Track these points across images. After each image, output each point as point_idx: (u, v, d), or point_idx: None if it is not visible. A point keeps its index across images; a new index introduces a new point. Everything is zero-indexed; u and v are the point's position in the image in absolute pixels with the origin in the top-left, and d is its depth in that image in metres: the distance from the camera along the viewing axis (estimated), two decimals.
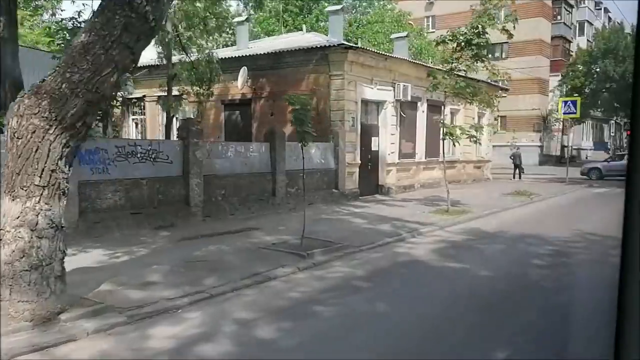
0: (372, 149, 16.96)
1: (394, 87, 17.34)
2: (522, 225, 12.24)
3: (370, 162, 16.84)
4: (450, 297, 6.41)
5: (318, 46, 15.41)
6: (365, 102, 16.59)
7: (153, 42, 13.92)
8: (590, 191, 21.29)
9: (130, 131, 20.74)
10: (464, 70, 13.95)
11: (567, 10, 46.55)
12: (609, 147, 58.91)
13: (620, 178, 26.73)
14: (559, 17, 45.09)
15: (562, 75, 42.63)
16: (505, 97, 44.88)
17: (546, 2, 43.31)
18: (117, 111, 18.94)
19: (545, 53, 43.93)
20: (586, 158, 54.44)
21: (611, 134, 36.83)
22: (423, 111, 19.55)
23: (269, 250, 8.49)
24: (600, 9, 56.58)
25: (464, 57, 13.50)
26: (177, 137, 11.25)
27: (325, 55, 15.26)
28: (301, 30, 23.64)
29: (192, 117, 17.88)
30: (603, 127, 60.76)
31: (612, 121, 37.18)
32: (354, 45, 15.05)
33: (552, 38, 44.96)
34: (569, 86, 40.18)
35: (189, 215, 10.54)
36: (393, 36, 23.42)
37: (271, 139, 12.78)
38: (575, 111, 24.59)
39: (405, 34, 23.18)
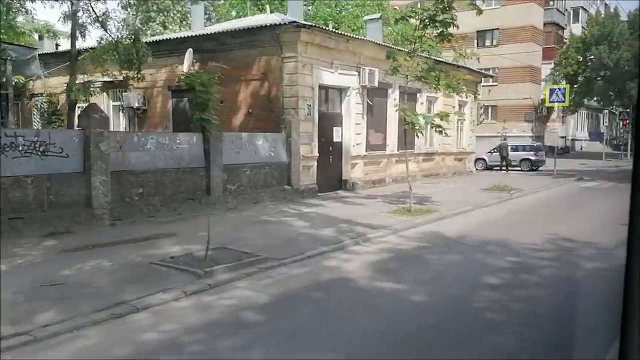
0: (334, 140, 15.32)
1: (359, 72, 15.67)
2: (491, 228, 10.66)
3: (331, 155, 15.21)
4: (356, 338, 4.81)
5: (268, 25, 13.71)
6: (325, 89, 14.93)
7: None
8: (578, 185, 19.71)
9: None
10: (428, 52, 12.26)
11: None
12: (605, 137, 57.39)
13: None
14: (551, 3, 43.31)
15: (554, 63, 40.93)
16: (495, 85, 43.39)
17: None
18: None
19: (538, 40, 42.20)
20: (581, 149, 52.87)
21: (605, 123, 35.14)
22: (395, 99, 17.88)
23: (160, 267, 6.87)
24: None
25: (428, 36, 11.80)
26: (78, 127, 9.60)
27: (276, 36, 13.57)
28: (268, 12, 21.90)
29: (137, 105, 16.23)
30: (599, 116, 59.16)
31: (606, 110, 35.41)
32: (307, 23, 13.34)
33: (545, 25, 43.22)
34: (562, 74, 38.48)
35: (93, 219, 8.92)
36: (366, 18, 21.72)
37: (205, 129, 11.08)
38: (563, 100, 22.98)
39: (378, 15, 21.43)
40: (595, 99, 41.80)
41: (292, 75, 13.59)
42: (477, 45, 42.81)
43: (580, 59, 36.67)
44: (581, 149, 52.02)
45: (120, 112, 17.62)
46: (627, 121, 37.56)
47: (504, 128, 39.39)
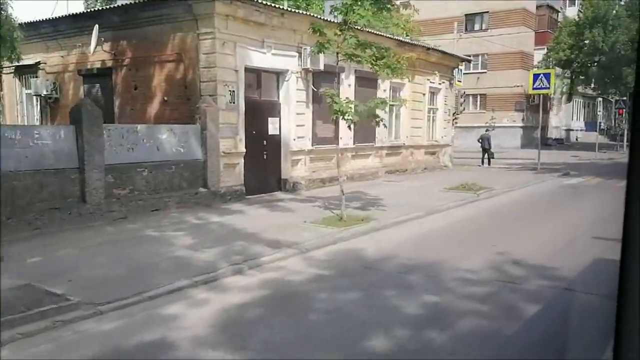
0: (270, 133, 13.12)
1: (301, 53, 13.42)
2: (429, 244, 8.52)
3: (266, 150, 13.02)
4: None
5: None
6: (256, 72, 12.70)
7: None
8: (560, 182, 17.50)
9: None
10: (365, 26, 10.01)
11: None
12: (602, 127, 54.97)
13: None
14: None
15: (547, 49, 38.49)
16: (484, 72, 40.96)
17: None
18: None
19: (530, 24, 39.73)
20: (576, 139, 50.52)
21: (598, 112, 32.84)
22: (350, 85, 15.66)
23: None
24: None
25: (360, 5, 9.55)
26: None
27: (189, 7, 11.33)
28: None
29: (46, 92, 14.03)
30: (596, 105, 56.77)
31: (600, 99, 33.09)
32: None
33: (538, 7, 40.72)
34: (555, 60, 36.09)
35: None
36: None
37: (77, 119, 8.91)
38: (548, 86, 20.71)
39: None
40: (590, 86, 39.42)
41: (209, 56, 11.37)
42: (466, 30, 40.50)
43: (574, 44, 34.23)
44: (577, 139, 49.69)
45: (35, 101, 15.41)
46: (624, 110, 35.22)
47: (492, 118, 37.23)
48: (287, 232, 8.75)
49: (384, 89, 17.25)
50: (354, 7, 9.25)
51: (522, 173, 20.56)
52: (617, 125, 37.73)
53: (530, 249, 7.97)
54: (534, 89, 21.22)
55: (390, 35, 16.52)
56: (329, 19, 11.81)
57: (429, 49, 18.91)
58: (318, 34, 9.69)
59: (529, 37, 39.76)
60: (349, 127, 10.01)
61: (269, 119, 13.07)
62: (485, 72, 40.18)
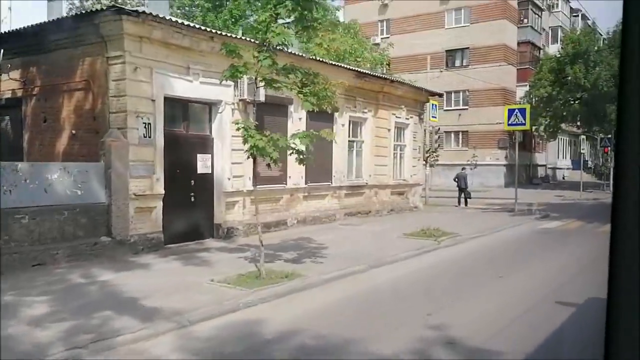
0: (199, 172, 11.50)
1: (237, 82, 11.96)
2: (350, 314, 6.82)
3: (193, 192, 11.37)
4: None
5: (85, 13, 10.04)
6: (181, 102, 11.18)
7: None
8: (536, 227, 15.89)
9: None
10: (288, 46, 8.57)
11: (535, 14, 41.81)
12: (589, 165, 53.88)
13: None
14: (525, 21, 40.29)
15: (529, 85, 37.57)
16: (466, 109, 39.93)
17: (511, 3, 38.52)
18: None
19: (511, 60, 39.01)
20: (563, 178, 49.29)
21: (582, 150, 31.61)
22: (300, 118, 14.18)
23: None
24: (578, 15, 51.94)
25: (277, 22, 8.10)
26: None
27: (96, 28, 9.89)
28: None
29: None
30: (579, 142, 55.91)
31: (583, 136, 31.93)
32: (134, 10, 9.60)
33: (519, 44, 40.09)
34: (536, 97, 35.09)
35: None
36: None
37: None
38: (524, 122, 19.43)
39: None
40: (574, 123, 38.41)
41: (119, 83, 9.85)
42: (447, 66, 39.74)
43: (555, 80, 33.26)
44: (563, 178, 48.49)
45: None
46: (609, 148, 34.00)
47: (474, 156, 35.97)
48: (180, 296, 7.03)
49: (342, 124, 15.81)
50: (271, 26, 7.79)
51: (498, 215, 19.00)
52: (602, 163, 36.45)
53: (475, 320, 6.30)
54: (509, 125, 19.94)
55: (346, 65, 15.18)
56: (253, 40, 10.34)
57: (392, 81, 17.59)
58: (232, 56, 8.20)
59: (510, 73, 38.99)
60: (269, 165, 8.38)
61: (199, 155, 11.48)
62: (467, 109, 39.20)
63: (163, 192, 10.45)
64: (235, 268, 8.82)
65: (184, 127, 11.28)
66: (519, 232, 14.54)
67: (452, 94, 39.75)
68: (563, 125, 38.47)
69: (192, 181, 11.32)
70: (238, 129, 8.28)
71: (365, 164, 17.05)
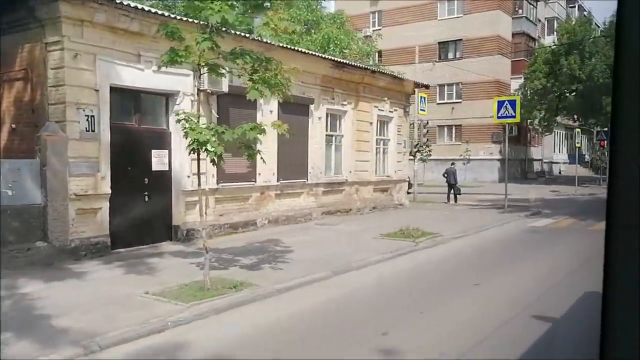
0: (154, 169, 10.56)
1: (197, 71, 10.98)
2: (294, 333, 5.90)
3: (147, 191, 10.44)
4: None
5: None
6: (132, 93, 10.23)
7: None
8: (525, 225, 14.98)
9: None
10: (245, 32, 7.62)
11: (530, 4, 40.74)
12: (586, 159, 52.96)
13: None
14: (520, 12, 39.26)
15: (524, 78, 36.60)
16: (459, 102, 38.90)
17: None
18: None
19: (505, 52, 38.01)
20: (559, 172, 48.38)
21: (577, 144, 30.69)
22: (271, 111, 13.24)
23: None
24: (574, 6, 50.93)
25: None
26: None
27: (32, 11, 8.93)
28: None
29: None
30: (574, 136, 55.00)
31: (578, 130, 30.99)
32: None
33: (514, 35, 39.07)
34: (530, 89, 34.13)
35: None
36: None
37: None
38: (514, 114, 18.48)
39: None
40: (569, 116, 37.46)
41: (58, 71, 8.92)
42: (440, 58, 38.77)
43: (549, 72, 32.29)
44: (560, 172, 47.60)
45: None
46: (605, 142, 33.09)
47: (467, 150, 35.00)
48: (100, 313, 6.12)
49: (318, 117, 14.86)
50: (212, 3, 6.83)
51: (487, 212, 18.11)
52: (598, 157, 35.53)
53: (437, 342, 5.40)
54: (498, 117, 18.99)
55: (319, 54, 14.20)
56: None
57: (374, 71, 16.63)
58: (172, 39, 7.26)
59: (504, 65, 38.00)
60: (213, 162, 7.45)
61: (154, 151, 10.54)
62: (460, 102, 38.24)
63: (109, 191, 9.52)
64: (182, 276, 7.89)
65: (136, 121, 10.33)
66: (505, 232, 13.63)
67: (445, 86, 38.81)
68: (558, 119, 37.54)
69: (146, 179, 10.39)
70: (178, 121, 7.32)
71: (345, 159, 16.13)
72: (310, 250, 10.39)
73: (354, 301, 7.20)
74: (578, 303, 6.40)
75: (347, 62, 15.69)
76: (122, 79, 9.70)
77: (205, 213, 11.36)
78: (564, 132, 49.84)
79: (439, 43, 38.68)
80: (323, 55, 14.34)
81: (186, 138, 7.19)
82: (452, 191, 22.20)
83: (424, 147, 33.75)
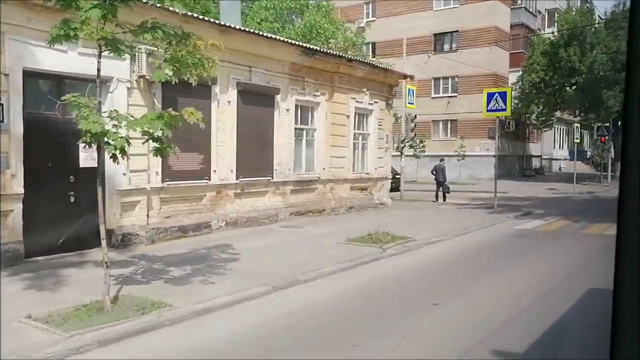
0: (82, 166, 9.30)
1: (135, 55, 9.72)
2: None
3: (73, 191, 9.18)
4: None
5: None
6: (53, 78, 8.97)
7: None
8: (512, 227, 13.68)
9: None
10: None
11: None
12: (588, 156, 51.43)
13: None
14: (519, 2, 37.78)
15: (522, 70, 35.18)
16: (455, 96, 37.43)
17: None
18: None
19: (503, 44, 36.57)
20: (559, 169, 46.95)
21: (575, 139, 29.33)
22: (229, 101, 11.96)
23: None
24: None
25: None
26: None
27: None
28: None
29: None
30: (582, 132, 53.51)
31: (577, 125, 29.59)
32: None
33: (512, 27, 37.62)
34: (528, 82, 32.71)
35: None
36: None
37: None
38: (504, 107, 17.21)
39: None
40: (568, 111, 36.01)
41: None
42: (435, 50, 37.36)
43: (548, 65, 30.85)
44: (560, 169, 46.20)
45: None
46: (606, 137, 31.68)
47: (462, 146, 33.63)
48: None
49: (286, 109, 13.57)
50: None
51: (475, 212, 16.82)
52: (599, 154, 34.11)
53: None
54: (488, 110, 17.71)
55: (289, 40, 12.88)
56: None
57: (350, 60, 15.30)
58: (67, 9, 5.99)
59: (502, 58, 36.59)
60: (113, 158, 6.18)
61: (81, 145, 9.25)
62: (456, 96, 36.85)
63: (22, 191, 8.27)
64: (91, 293, 6.62)
65: (59, 111, 9.06)
66: (488, 236, 12.33)
67: (441, 80, 37.47)
68: (557, 113, 36.12)
69: (72, 177, 9.13)
70: (72, 110, 6.05)
71: (319, 155, 14.85)
72: (259, 258, 9.16)
73: (282, 329, 5.93)
74: (551, 331, 5.16)
75: (319, 49, 14.38)
76: (39, 62, 8.45)
77: (148, 215, 10.15)
78: (564, 128, 48.40)
79: (434, 35, 37.32)
80: (290, 41, 13.03)
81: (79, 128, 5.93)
82: (440, 189, 20.92)
83: (418, 143, 32.48)
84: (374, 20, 39.36)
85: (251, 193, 12.74)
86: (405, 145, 21.59)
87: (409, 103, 21.83)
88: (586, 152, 52.62)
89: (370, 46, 39.19)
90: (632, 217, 1.09)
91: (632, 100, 1.09)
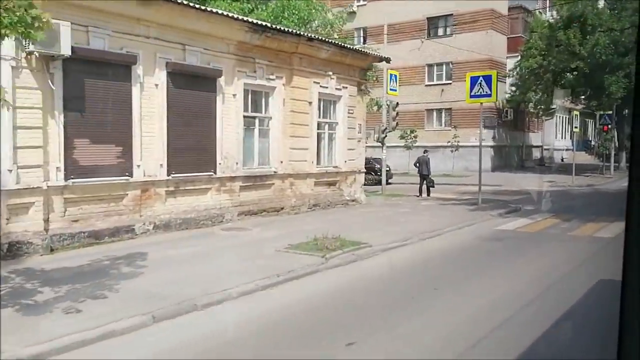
0: None
1: None
2: None
3: None
4: None
5: None
6: None
7: None
8: (490, 228, 11.96)
9: None
10: None
11: None
12: (592, 145, 49.40)
13: None
14: None
15: (520, 56, 33.18)
16: (449, 83, 35.52)
17: None
18: None
19: (500, 28, 34.57)
20: (562, 160, 44.97)
21: (574, 129, 27.47)
22: (157, 84, 10.27)
23: None
24: None
25: None
26: None
27: None
28: None
29: None
30: (586, 121, 51.44)
31: (576, 112, 27.70)
32: None
33: (510, 9, 35.58)
34: (526, 68, 30.77)
35: None
36: None
37: None
38: (489, 93, 15.43)
39: None
40: (568, 99, 34.05)
41: None
42: (429, 35, 35.44)
43: (547, 48, 28.88)
44: (562, 160, 44.23)
45: None
46: (609, 126, 29.77)
47: (455, 136, 31.80)
48: None
49: (232, 94, 11.86)
50: None
51: (455, 210, 15.11)
52: (601, 143, 32.20)
53: None
54: (471, 96, 15.95)
55: (232, 14, 11.11)
56: None
57: (311, 39, 13.54)
58: None
59: (499, 42, 34.60)
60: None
61: None
62: (451, 83, 34.94)
63: None
64: None
65: None
66: (460, 239, 10.61)
67: (435, 66, 35.61)
68: (558, 101, 34.15)
69: None
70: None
71: (275, 147, 13.16)
72: (169, 271, 7.53)
73: None
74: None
75: (271, 25, 12.63)
76: None
77: (47, 219, 8.54)
78: (567, 117, 46.33)
79: (427, 18, 35.38)
80: (234, 16, 11.30)
81: None
82: (424, 182, 19.21)
83: (409, 133, 30.72)
84: (365, 4, 37.49)
85: (189, 191, 11.08)
86: (386, 135, 19.83)
87: (391, 89, 20.08)
88: (590, 141, 50.59)
89: (362, 31, 37.46)
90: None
91: None
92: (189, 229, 10.94)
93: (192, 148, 10.98)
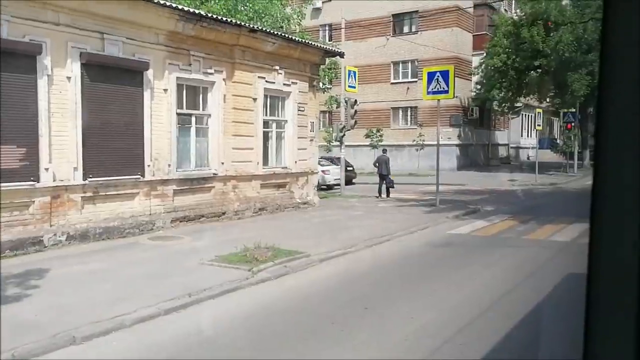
0: None
1: None
2: None
3: None
4: None
5: None
6: None
7: None
8: (443, 232, 11.18)
9: None
10: None
11: None
12: (558, 144, 49.60)
13: None
14: None
15: (485, 53, 32.75)
16: (415, 82, 34.95)
17: None
18: None
19: (466, 25, 34.16)
20: (527, 158, 44.96)
21: (537, 126, 27.14)
22: (69, 77, 9.14)
23: None
24: None
25: None
26: None
27: None
28: None
29: None
30: (552, 119, 51.70)
31: (539, 110, 27.41)
32: None
33: (475, 7, 35.16)
34: (491, 66, 30.35)
35: None
36: None
37: None
38: (446, 89, 14.71)
39: None
40: (532, 96, 33.85)
41: None
42: (395, 33, 34.80)
43: (510, 47, 28.47)
44: (528, 158, 44.22)
45: None
46: (573, 124, 29.55)
47: (420, 135, 31.21)
48: None
49: (163, 89, 10.80)
50: None
51: (411, 212, 14.33)
52: (564, 142, 32.07)
53: None
54: (428, 93, 15.20)
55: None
56: None
57: (254, 30, 12.56)
58: None
59: (465, 40, 34.17)
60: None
61: None
62: (416, 82, 34.24)
63: None
64: None
65: None
66: (407, 246, 9.77)
67: (400, 64, 34.96)
68: (522, 99, 33.92)
69: None
70: None
71: (215, 147, 12.14)
72: (60, 294, 6.44)
73: None
74: None
75: (206, 14, 11.60)
76: None
77: None
78: (532, 115, 46.39)
79: (393, 15, 34.71)
80: (162, 2, 10.22)
81: None
82: (383, 183, 18.43)
83: (376, 132, 30.00)
84: (329, 1, 36.61)
85: (111, 196, 9.97)
86: (344, 134, 18.98)
87: (349, 86, 19.25)
88: (556, 140, 50.81)
89: (327, 28, 36.66)
90: (606, 215, 1.00)
91: (606, 92, 0.99)
92: (112, 239, 9.84)
93: (113, 149, 9.89)
